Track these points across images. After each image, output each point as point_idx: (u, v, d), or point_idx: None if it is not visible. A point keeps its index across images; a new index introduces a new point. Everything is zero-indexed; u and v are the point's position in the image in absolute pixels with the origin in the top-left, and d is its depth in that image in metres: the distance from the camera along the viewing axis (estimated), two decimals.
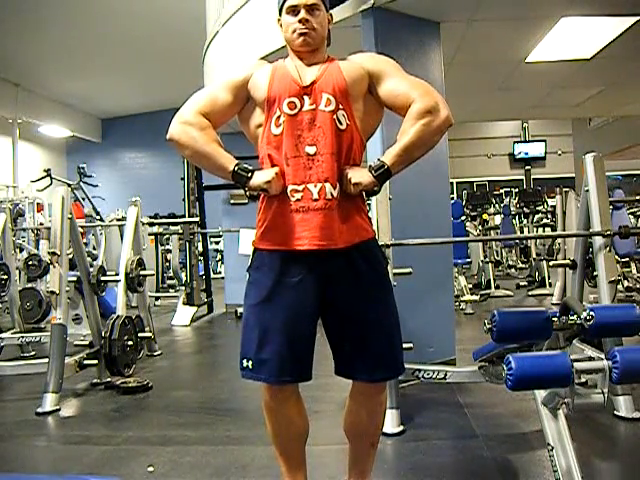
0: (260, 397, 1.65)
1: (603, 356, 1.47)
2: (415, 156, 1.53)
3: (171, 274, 8.60)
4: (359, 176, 1.50)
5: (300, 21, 1.54)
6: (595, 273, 2.70)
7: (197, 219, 6.31)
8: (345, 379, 1.62)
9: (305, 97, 1.52)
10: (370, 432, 1.70)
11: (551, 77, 5.16)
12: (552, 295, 6.04)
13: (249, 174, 1.51)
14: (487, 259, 6.80)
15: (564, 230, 5.14)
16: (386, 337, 1.57)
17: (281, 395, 1.61)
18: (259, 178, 1.50)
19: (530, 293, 6.72)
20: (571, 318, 1.52)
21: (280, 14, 1.60)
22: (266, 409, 1.65)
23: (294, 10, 1.55)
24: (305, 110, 1.52)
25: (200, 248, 6.79)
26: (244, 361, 1.57)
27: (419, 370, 2.63)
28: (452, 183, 12.60)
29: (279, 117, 1.53)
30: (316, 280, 1.52)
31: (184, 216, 6.37)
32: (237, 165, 1.51)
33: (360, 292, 1.55)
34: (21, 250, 6.50)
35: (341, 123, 1.52)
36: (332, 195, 1.49)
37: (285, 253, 1.53)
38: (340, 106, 1.52)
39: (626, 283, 5.65)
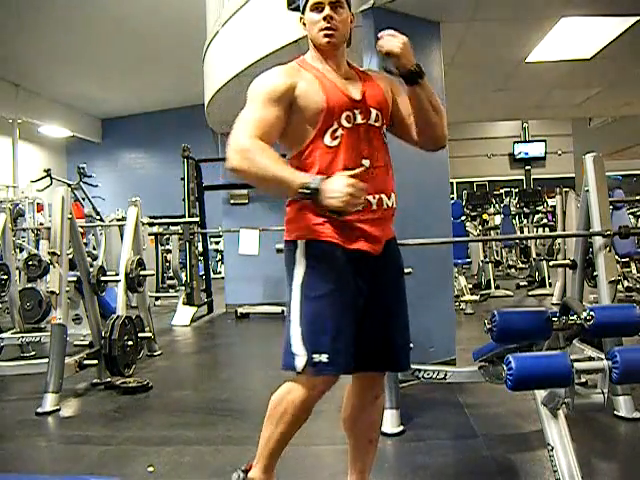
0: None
1: (603, 356, 1.47)
2: (428, 108, 1.59)
3: (171, 274, 8.61)
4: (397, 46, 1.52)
5: (325, 18, 1.54)
6: (595, 273, 2.70)
7: (197, 219, 6.31)
8: (346, 377, 1.62)
9: (356, 110, 1.55)
10: (369, 428, 1.71)
11: (551, 77, 5.16)
12: (552, 295, 6.04)
13: (314, 191, 1.38)
14: (487, 259, 6.80)
15: (564, 230, 5.14)
16: (406, 328, 1.65)
17: (328, 389, 1.55)
18: (332, 200, 1.36)
19: (530, 293, 6.72)
20: (571, 318, 1.53)
21: (303, 12, 1.60)
22: (302, 408, 1.53)
23: (318, 7, 1.55)
24: (358, 123, 1.55)
25: (200, 248, 6.78)
26: (315, 356, 1.46)
27: (419, 370, 2.63)
28: (452, 183, 12.60)
29: (336, 130, 1.53)
30: (363, 278, 1.55)
31: (184, 216, 6.37)
32: (301, 186, 1.39)
33: (392, 286, 1.62)
34: (21, 250, 6.51)
35: (386, 137, 1.62)
36: (387, 205, 1.57)
37: (342, 249, 1.54)
38: (384, 121, 1.61)
39: (626, 283, 5.65)
